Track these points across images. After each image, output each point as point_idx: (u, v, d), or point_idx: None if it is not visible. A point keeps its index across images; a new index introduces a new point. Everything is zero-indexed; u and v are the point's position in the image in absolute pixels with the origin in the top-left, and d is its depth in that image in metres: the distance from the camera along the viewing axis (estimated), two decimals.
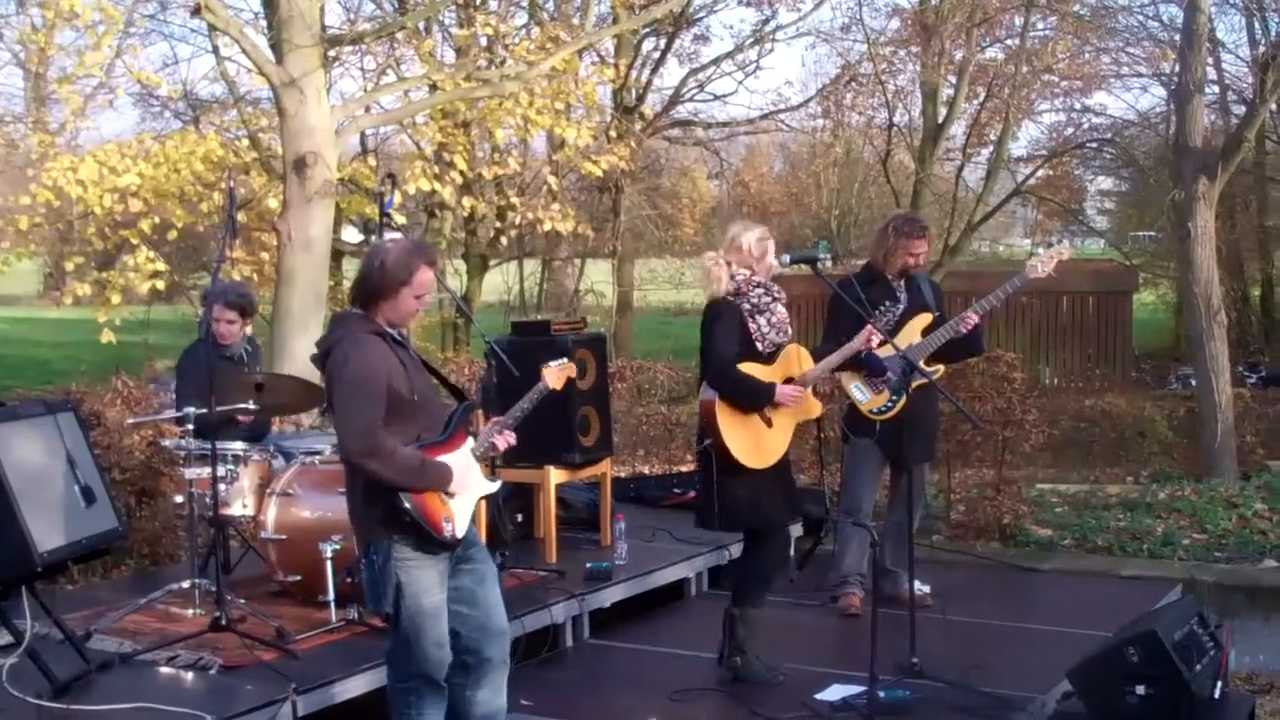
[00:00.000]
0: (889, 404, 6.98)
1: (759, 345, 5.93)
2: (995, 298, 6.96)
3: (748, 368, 5.90)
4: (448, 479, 4.61)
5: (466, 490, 4.73)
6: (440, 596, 4.64)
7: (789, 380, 5.98)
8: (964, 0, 19.21)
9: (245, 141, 15.73)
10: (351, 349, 4.50)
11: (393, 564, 4.54)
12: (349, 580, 6.16)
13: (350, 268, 17.40)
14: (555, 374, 5.34)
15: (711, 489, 5.92)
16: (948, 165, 22.83)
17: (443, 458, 4.65)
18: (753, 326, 5.92)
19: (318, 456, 6.74)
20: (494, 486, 4.98)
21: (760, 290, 5.96)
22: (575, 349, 7.41)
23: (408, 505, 4.49)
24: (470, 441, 4.83)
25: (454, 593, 4.71)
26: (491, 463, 4.94)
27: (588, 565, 7.29)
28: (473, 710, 4.79)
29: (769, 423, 5.96)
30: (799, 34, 22.81)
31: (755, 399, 5.91)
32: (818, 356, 6.19)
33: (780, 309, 6.03)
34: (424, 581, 4.58)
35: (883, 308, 6.72)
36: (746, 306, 5.92)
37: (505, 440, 4.92)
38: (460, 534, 4.68)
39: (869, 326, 6.06)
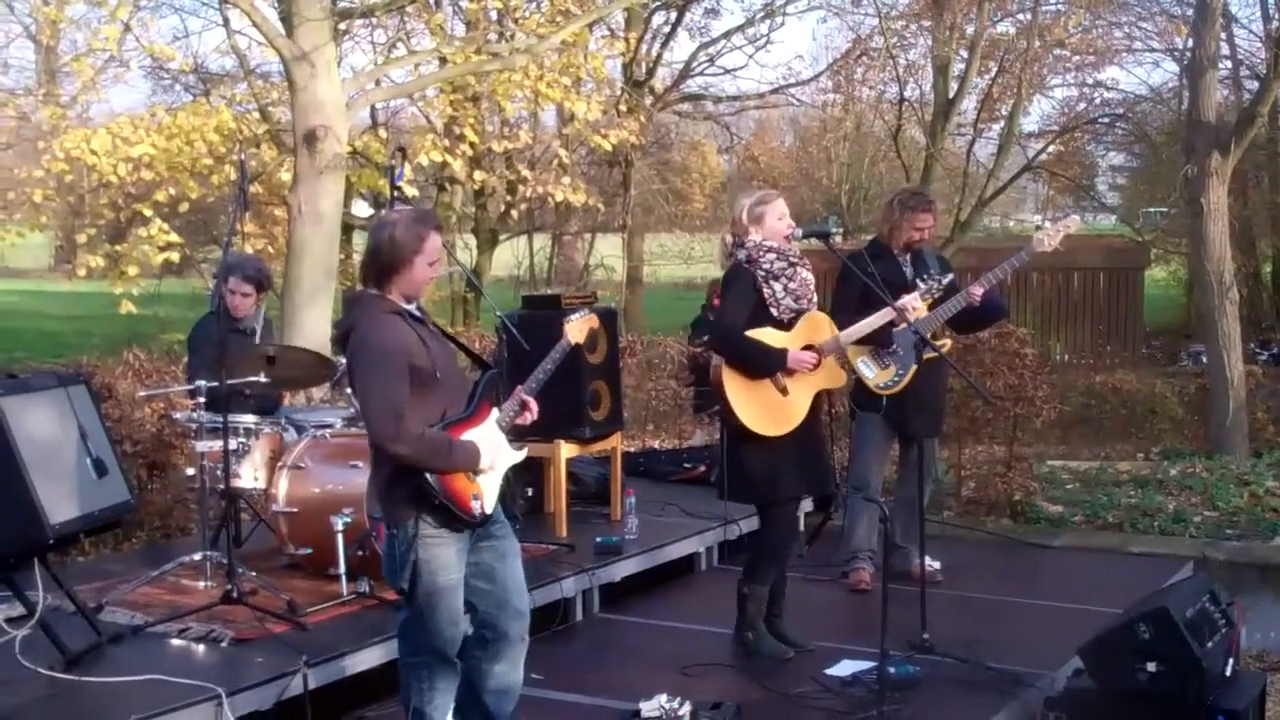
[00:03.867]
0: (895, 378, 6.93)
1: (774, 311, 5.85)
2: (1002, 271, 6.89)
3: (762, 333, 5.83)
4: (476, 458, 4.54)
5: (495, 465, 4.67)
6: (457, 575, 4.60)
7: (809, 348, 5.90)
8: None
9: (256, 115, 15.71)
10: (369, 330, 4.44)
11: (413, 541, 4.49)
12: (360, 553, 6.17)
13: (361, 241, 17.39)
14: (577, 327, 5.18)
15: (726, 459, 5.90)
16: (959, 140, 22.74)
17: (469, 433, 4.58)
18: (767, 292, 5.85)
19: (329, 430, 6.75)
20: (520, 455, 4.88)
21: (773, 255, 5.89)
22: None
23: (436, 488, 4.44)
24: (495, 412, 4.76)
25: (473, 568, 4.66)
26: (515, 431, 4.85)
27: (598, 540, 7.29)
28: (488, 682, 4.75)
29: (784, 390, 5.87)
30: (810, 8, 22.73)
31: (763, 364, 5.83)
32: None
33: (804, 274, 5.95)
34: (443, 560, 4.54)
35: (925, 278, 6.52)
36: (760, 273, 5.86)
37: (531, 407, 4.84)
38: (490, 510, 4.63)
39: (900, 302, 6.01)
